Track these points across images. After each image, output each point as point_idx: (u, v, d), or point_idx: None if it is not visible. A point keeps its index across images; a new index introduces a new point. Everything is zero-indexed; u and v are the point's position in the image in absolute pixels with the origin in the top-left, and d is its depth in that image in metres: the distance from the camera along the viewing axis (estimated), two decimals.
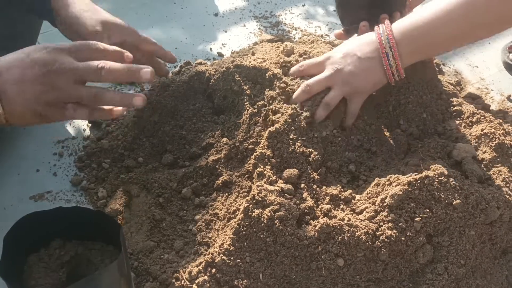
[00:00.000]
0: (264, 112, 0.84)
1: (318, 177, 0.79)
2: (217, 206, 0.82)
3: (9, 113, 0.63)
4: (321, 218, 0.73)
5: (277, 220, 0.71)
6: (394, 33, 0.82)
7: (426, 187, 0.74)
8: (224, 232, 0.76)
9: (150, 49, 0.93)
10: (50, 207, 0.72)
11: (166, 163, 0.90)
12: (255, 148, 0.82)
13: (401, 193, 0.73)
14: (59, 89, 0.64)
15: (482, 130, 0.87)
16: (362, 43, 0.85)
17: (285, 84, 0.87)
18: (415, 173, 0.76)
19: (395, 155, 0.87)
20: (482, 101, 1.04)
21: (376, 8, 0.94)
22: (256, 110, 0.87)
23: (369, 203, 0.76)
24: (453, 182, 0.75)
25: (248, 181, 0.81)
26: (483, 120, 0.90)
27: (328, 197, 0.77)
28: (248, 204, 0.72)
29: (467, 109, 0.92)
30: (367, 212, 0.74)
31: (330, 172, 0.82)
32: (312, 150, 0.80)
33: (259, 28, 1.25)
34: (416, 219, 0.72)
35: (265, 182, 0.75)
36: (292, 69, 0.89)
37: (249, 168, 0.81)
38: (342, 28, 1.01)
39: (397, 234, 0.72)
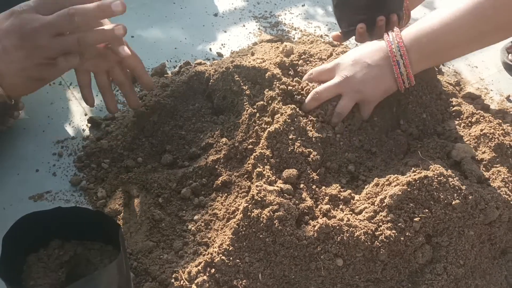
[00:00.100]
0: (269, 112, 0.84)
1: (318, 177, 0.79)
2: (216, 206, 0.82)
3: (7, 88, 0.63)
4: (320, 218, 0.73)
5: (276, 220, 0.71)
6: (404, 40, 0.82)
7: (425, 187, 0.74)
8: (223, 232, 0.76)
9: (129, 65, 0.82)
10: (49, 207, 0.73)
11: (166, 163, 0.90)
12: (255, 148, 0.82)
13: (400, 193, 0.73)
14: (41, 48, 0.63)
15: (481, 130, 0.87)
16: (372, 50, 0.85)
17: (284, 84, 0.87)
18: (414, 173, 0.76)
19: (395, 155, 0.87)
20: (481, 101, 1.04)
21: (373, 10, 0.94)
22: (255, 110, 0.87)
23: (368, 203, 0.76)
24: (452, 182, 0.75)
25: (248, 181, 0.81)
26: (482, 120, 0.90)
27: (327, 197, 0.77)
28: (247, 204, 0.72)
29: (466, 109, 0.93)
30: (366, 212, 0.74)
31: (329, 172, 0.82)
32: (312, 150, 0.81)
33: (259, 28, 1.25)
34: (415, 219, 0.72)
35: (264, 182, 0.75)
36: (304, 78, 0.90)
37: (249, 168, 0.81)
38: (340, 31, 1.01)
39: (396, 234, 0.72)
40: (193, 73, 0.99)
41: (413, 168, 0.78)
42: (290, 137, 0.80)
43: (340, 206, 0.77)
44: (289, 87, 0.86)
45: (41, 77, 0.66)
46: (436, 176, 0.75)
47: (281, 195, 0.74)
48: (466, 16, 0.79)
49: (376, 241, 0.71)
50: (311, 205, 0.74)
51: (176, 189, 0.85)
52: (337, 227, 0.71)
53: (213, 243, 0.77)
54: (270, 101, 0.85)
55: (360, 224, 0.73)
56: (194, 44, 1.19)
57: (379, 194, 0.76)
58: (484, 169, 0.83)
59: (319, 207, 0.75)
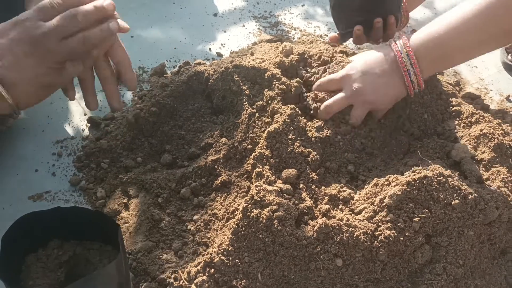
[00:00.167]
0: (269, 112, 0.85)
1: (317, 177, 0.79)
2: (215, 206, 0.82)
3: (16, 97, 0.64)
4: (320, 218, 0.73)
5: (275, 220, 0.71)
6: (413, 48, 0.82)
7: (424, 187, 0.74)
8: (223, 232, 0.76)
9: (116, 57, 0.76)
10: (48, 207, 0.73)
11: (165, 163, 0.90)
12: (254, 148, 0.82)
13: (399, 193, 0.73)
14: (51, 52, 0.65)
15: (481, 130, 0.87)
16: (380, 59, 0.85)
17: (284, 84, 0.87)
18: (414, 173, 0.76)
19: (394, 155, 0.87)
20: (481, 101, 1.04)
21: (370, 12, 0.93)
22: (255, 110, 0.87)
23: (368, 203, 0.76)
24: (452, 182, 0.75)
25: (247, 181, 0.81)
26: (482, 120, 0.90)
27: (326, 197, 0.77)
28: (246, 204, 0.72)
29: (466, 109, 0.92)
30: (365, 212, 0.74)
31: (329, 172, 0.82)
32: (311, 150, 0.81)
33: (258, 28, 1.25)
34: (415, 219, 0.72)
35: (263, 182, 0.75)
36: (313, 87, 0.90)
37: (248, 168, 0.81)
38: (337, 32, 1.01)
39: (395, 234, 0.72)
40: (193, 73, 0.99)
41: (412, 168, 0.78)
42: (290, 137, 0.80)
43: (340, 206, 0.77)
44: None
45: (51, 83, 0.68)
46: (435, 176, 0.75)
47: (280, 195, 0.74)
48: (474, 19, 0.79)
49: (375, 241, 0.71)
50: (310, 205, 0.74)
51: (175, 189, 0.85)
52: (337, 227, 0.71)
53: (212, 243, 0.77)
54: (269, 101, 0.85)
55: (360, 224, 0.73)
56: (193, 44, 1.20)
57: (379, 194, 0.76)
58: (483, 169, 0.83)
59: (318, 207, 0.75)
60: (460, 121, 0.91)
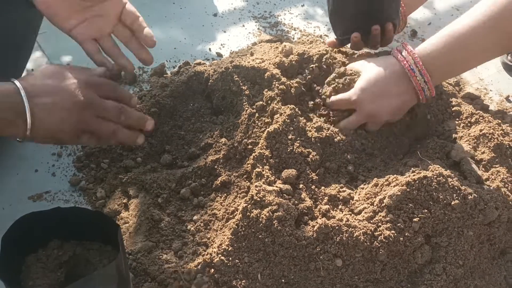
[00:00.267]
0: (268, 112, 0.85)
1: (317, 177, 0.79)
2: (215, 207, 0.82)
3: (34, 131, 0.65)
4: (320, 218, 0.73)
5: (275, 221, 0.71)
6: (425, 64, 0.82)
7: (424, 187, 0.74)
8: (223, 232, 0.76)
9: (131, 25, 0.83)
10: (48, 207, 0.73)
11: (165, 163, 0.90)
12: (254, 148, 0.82)
13: (399, 193, 0.73)
14: (83, 121, 0.67)
15: (480, 130, 0.87)
16: (393, 76, 0.85)
17: (284, 85, 0.87)
18: (414, 174, 0.76)
19: (394, 155, 0.87)
20: (481, 101, 1.04)
21: (367, 19, 0.92)
22: (254, 111, 0.87)
23: (368, 203, 0.76)
24: (452, 182, 0.75)
25: (247, 181, 0.81)
26: (481, 120, 0.90)
27: (326, 198, 0.77)
28: (246, 205, 0.72)
29: (465, 110, 0.93)
30: (365, 213, 0.74)
31: (328, 173, 0.82)
32: (311, 151, 0.81)
33: (258, 29, 1.25)
34: (415, 219, 0.72)
35: (263, 183, 0.75)
36: (326, 102, 0.90)
37: (248, 169, 0.81)
38: (335, 37, 1.01)
39: (395, 234, 0.72)
40: (193, 73, 0.99)
41: (412, 169, 0.78)
42: (290, 137, 0.80)
43: (339, 206, 0.77)
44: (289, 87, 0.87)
45: (60, 138, 0.69)
46: (435, 176, 0.75)
47: (280, 195, 0.74)
48: (477, 29, 0.80)
49: (375, 242, 0.71)
50: (310, 205, 0.74)
51: (175, 189, 0.85)
52: (336, 227, 0.71)
53: (212, 243, 0.77)
54: (269, 101, 0.85)
55: (359, 224, 0.73)
56: (193, 44, 1.19)
57: (379, 194, 0.76)
58: (483, 169, 0.83)
59: (318, 207, 0.75)
60: (459, 121, 0.92)
